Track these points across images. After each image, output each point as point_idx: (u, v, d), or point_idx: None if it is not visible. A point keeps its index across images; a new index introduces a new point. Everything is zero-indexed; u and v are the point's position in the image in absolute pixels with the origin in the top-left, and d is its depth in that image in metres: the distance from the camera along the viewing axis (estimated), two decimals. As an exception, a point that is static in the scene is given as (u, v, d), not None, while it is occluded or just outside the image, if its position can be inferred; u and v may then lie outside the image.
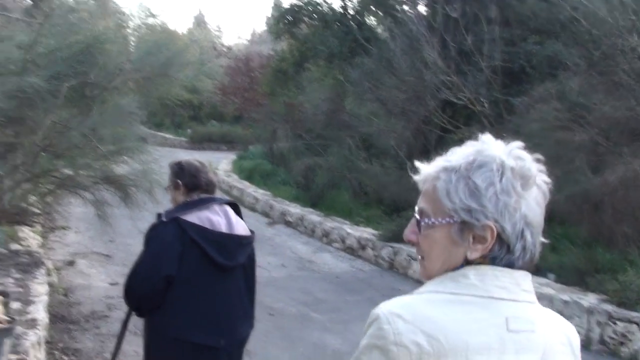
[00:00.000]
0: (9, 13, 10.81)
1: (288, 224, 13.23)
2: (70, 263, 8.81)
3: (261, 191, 15.92)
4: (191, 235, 3.13)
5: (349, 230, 11.23)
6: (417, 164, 1.39)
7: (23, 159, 8.04)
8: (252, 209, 14.72)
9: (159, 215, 3.27)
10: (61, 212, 10.40)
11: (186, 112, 31.97)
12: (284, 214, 13.58)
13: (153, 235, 3.21)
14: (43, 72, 7.48)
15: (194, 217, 3.19)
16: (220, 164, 20.93)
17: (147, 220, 8.48)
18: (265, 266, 9.17)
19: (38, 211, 9.54)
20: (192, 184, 3.36)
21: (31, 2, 14.36)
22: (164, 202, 8.42)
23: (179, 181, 3.38)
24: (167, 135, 29.90)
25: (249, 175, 18.28)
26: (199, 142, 29.01)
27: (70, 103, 7.76)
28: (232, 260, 3.27)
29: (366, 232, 11.06)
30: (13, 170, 7.95)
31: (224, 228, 3.27)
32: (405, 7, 15.05)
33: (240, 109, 27.33)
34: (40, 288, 5.96)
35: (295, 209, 13.43)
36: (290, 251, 10.86)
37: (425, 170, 1.36)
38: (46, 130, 7.71)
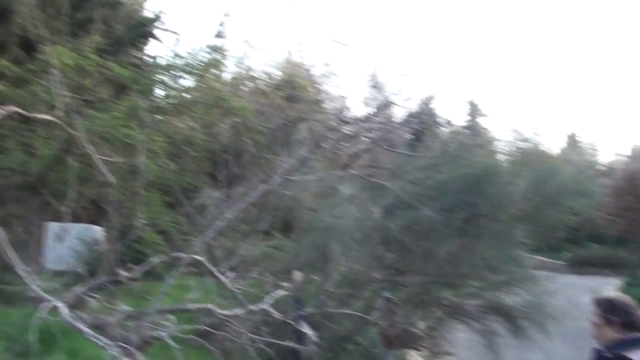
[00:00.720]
0: (395, 149, 11.89)
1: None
2: (458, 391, 8.78)
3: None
4: None
5: None
6: None
7: (415, 288, 8.47)
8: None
9: (597, 351, 3.30)
10: (446, 337, 10.55)
11: (562, 234, 30.75)
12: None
13: None
14: (434, 204, 7.92)
15: (637, 356, 3.14)
16: (604, 291, 19.31)
17: (535, 351, 8.03)
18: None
19: (425, 335, 9.84)
20: (627, 321, 3.32)
21: (413, 137, 15.65)
22: (555, 336, 8.04)
23: (612, 318, 3.37)
24: (543, 258, 28.97)
25: (642, 305, 16.45)
26: (577, 266, 27.49)
27: (459, 233, 8.01)
28: None
29: None
30: (406, 297, 8.41)
31: None
32: None
33: (624, 230, 25.32)
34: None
35: None
36: None
37: None
38: (437, 260, 8.04)
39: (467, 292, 8.31)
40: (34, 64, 13.00)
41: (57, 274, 9.08)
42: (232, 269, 6.80)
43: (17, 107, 11.21)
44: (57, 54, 10.86)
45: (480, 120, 46.70)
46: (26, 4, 14.98)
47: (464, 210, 7.67)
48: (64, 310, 4.61)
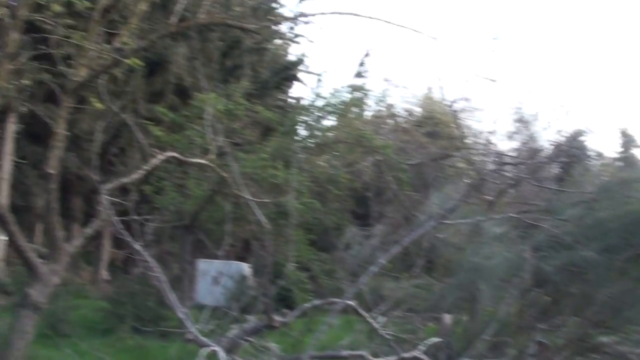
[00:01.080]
0: (543, 184, 11.30)
1: None
2: None
3: None
4: None
5: None
6: None
7: (571, 333, 7.95)
8: None
9: None
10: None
11: None
12: None
13: None
14: (592, 244, 7.42)
15: None
16: None
17: None
18: None
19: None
20: None
21: (561, 171, 14.83)
22: None
23: None
24: None
25: None
26: None
27: (621, 275, 7.45)
28: None
29: None
30: (562, 343, 7.90)
31: None
32: None
33: None
34: None
35: None
36: None
37: None
38: (597, 303, 7.51)
39: (632, 338, 7.67)
40: (188, 110, 13.77)
41: (209, 309, 9.37)
42: (382, 314, 6.70)
43: (173, 150, 11.93)
44: (209, 100, 11.41)
45: (636, 152, 43.39)
46: (181, 55, 16.05)
47: (626, 250, 7.12)
48: (221, 354, 4.74)
